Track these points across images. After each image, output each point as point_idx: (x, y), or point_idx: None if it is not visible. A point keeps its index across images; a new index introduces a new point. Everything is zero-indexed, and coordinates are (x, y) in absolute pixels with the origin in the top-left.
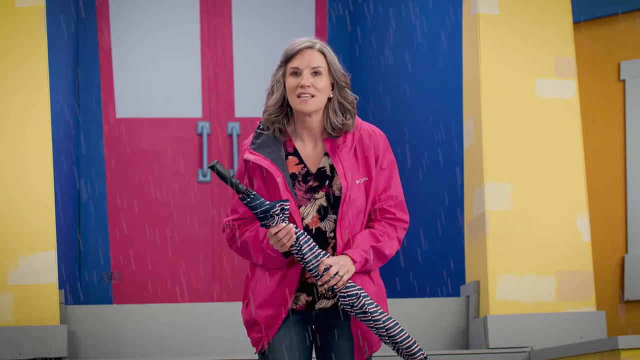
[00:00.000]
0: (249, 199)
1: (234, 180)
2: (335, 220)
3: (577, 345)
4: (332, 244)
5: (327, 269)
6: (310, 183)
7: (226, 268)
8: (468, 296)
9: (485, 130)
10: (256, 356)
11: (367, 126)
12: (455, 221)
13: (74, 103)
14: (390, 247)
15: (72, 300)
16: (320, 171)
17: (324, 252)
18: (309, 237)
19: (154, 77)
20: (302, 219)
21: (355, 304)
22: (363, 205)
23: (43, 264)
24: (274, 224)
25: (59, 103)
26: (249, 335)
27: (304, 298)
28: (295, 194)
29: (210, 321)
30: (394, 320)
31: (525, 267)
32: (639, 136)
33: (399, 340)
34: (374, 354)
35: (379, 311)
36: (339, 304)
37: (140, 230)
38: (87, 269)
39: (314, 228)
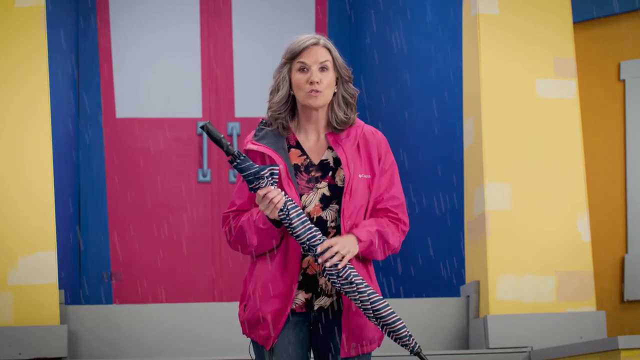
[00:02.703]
0: (238, 161)
1: (224, 141)
2: (337, 210)
3: (577, 345)
4: (332, 234)
5: (327, 250)
6: (313, 173)
7: (226, 268)
8: (468, 296)
9: (485, 130)
10: (248, 353)
11: (369, 127)
12: (455, 221)
13: (74, 103)
14: (394, 239)
15: (72, 300)
16: (323, 163)
17: (314, 226)
18: (297, 205)
19: (154, 77)
20: (304, 207)
21: (341, 274)
22: (364, 199)
23: (43, 264)
24: (263, 186)
25: (59, 103)
26: (250, 335)
27: (302, 296)
28: (297, 183)
29: (210, 321)
30: (379, 296)
31: (525, 267)
32: (639, 136)
33: (383, 314)
34: (372, 355)
35: (365, 284)
36: (324, 275)
37: (140, 230)
38: (87, 269)
39: (315, 217)
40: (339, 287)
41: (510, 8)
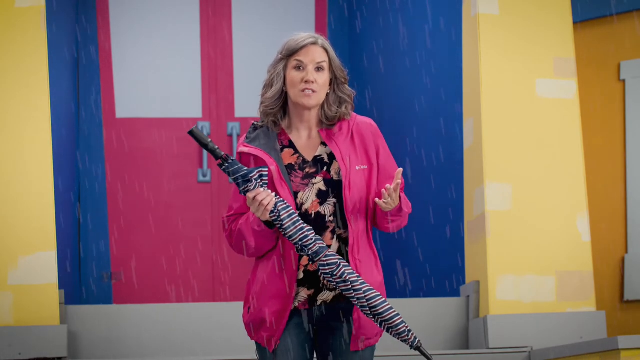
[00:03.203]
0: (227, 164)
1: (210, 145)
2: (335, 204)
3: (577, 345)
4: (331, 228)
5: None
6: (307, 170)
7: (226, 268)
8: (468, 296)
9: (485, 130)
10: (255, 356)
11: (361, 117)
12: (455, 221)
13: (74, 103)
14: (407, 209)
15: (72, 300)
16: (317, 159)
17: (306, 225)
18: (288, 205)
19: (154, 77)
20: (302, 204)
21: (335, 272)
22: (364, 191)
23: (43, 264)
24: (252, 189)
25: (59, 103)
26: (254, 337)
27: (305, 292)
28: (292, 180)
29: (210, 321)
30: (376, 292)
31: (525, 267)
32: (639, 136)
33: (381, 311)
34: (375, 353)
35: (360, 281)
36: (319, 274)
37: (140, 230)
38: (87, 269)
39: (313, 212)
40: (334, 285)
41: (510, 8)
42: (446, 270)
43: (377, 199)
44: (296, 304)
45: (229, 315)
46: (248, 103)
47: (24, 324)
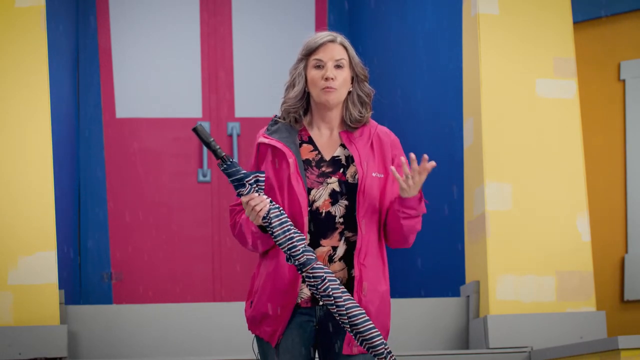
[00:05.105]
0: (225, 165)
1: (212, 144)
2: (346, 207)
3: (577, 345)
4: (339, 230)
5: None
6: (324, 169)
7: (226, 268)
8: (468, 296)
9: (485, 130)
10: (255, 356)
11: (382, 127)
12: (455, 221)
13: (74, 103)
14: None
15: (72, 300)
16: (335, 159)
17: (297, 231)
18: (283, 212)
19: (154, 77)
20: (314, 201)
21: (319, 286)
22: (378, 199)
23: (43, 264)
24: (246, 193)
25: (59, 103)
26: (255, 332)
27: (307, 290)
28: (307, 177)
29: (210, 321)
30: (360, 310)
31: (525, 267)
32: (639, 136)
33: (361, 329)
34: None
35: (344, 298)
36: (304, 282)
37: (140, 230)
38: (87, 269)
39: (324, 211)
40: (318, 297)
41: (510, 8)
42: (446, 270)
43: (395, 173)
44: (299, 300)
45: (229, 315)
46: (248, 103)
47: (24, 324)
